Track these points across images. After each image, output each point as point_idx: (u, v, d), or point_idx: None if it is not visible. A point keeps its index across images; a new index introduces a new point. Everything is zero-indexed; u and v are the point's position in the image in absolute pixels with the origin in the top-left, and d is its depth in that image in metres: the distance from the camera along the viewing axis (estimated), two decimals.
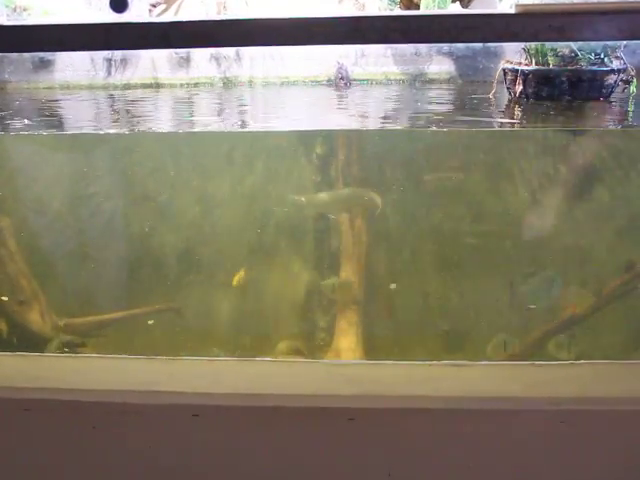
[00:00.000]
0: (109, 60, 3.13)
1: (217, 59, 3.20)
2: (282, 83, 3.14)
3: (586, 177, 2.32)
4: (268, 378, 1.49)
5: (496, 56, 2.80)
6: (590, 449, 1.42)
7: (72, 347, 2.52)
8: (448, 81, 3.00)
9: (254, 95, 3.13)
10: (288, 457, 1.43)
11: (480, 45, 2.89)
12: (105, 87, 3.14)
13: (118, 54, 3.10)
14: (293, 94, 3.06)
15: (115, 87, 3.15)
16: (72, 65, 3.14)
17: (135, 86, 3.18)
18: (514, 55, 2.46)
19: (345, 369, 1.53)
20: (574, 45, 2.10)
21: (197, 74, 3.22)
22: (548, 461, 1.43)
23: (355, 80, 3.09)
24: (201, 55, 3.19)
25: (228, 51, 3.17)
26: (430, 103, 2.77)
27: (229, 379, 1.50)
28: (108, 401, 1.45)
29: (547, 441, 1.42)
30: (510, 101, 2.36)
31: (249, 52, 3.16)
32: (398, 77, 3.10)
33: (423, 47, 3.07)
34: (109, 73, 3.14)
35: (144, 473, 1.47)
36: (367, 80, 3.12)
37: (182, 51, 3.16)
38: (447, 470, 1.45)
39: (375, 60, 3.13)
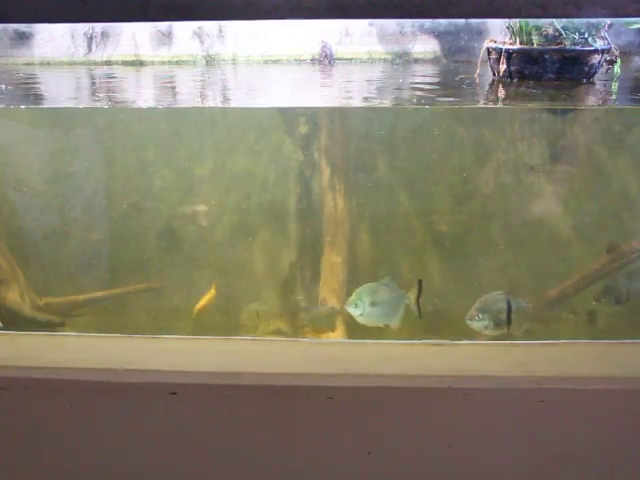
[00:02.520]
0: (89, 36, 3.07)
1: (200, 36, 3.15)
2: (265, 61, 3.10)
3: (567, 156, 2.32)
4: (247, 356, 1.48)
5: (481, 35, 2.78)
6: (568, 427, 1.42)
7: (52, 326, 2.50)
8: (433, 60, 2.98)
9: (237, 73, 3.09)
10: (267, 435, 1.43)
11: (465, 24, 2.86)
12: (86, 63, 3.08)
13: (98, 30, 3.05)
14: (276, 72, 3.03)
15: (96, 64, 3.10)
16: (52, 41, 3.09)
17: (116, 63, 3.13)
18: (499, 35, 2.45)
19: (325, 348, 1.52)
20: (558, 24, 2.09)
21: (179, 51, 3.18)
22: (527, 439, 1.44)
23: (339, 59, 3.06)
24: (183, 32, 3.14)
25: (211, 28, 3.13)
26: (412, 82, 2.75)
27: (208, 357, 1.49)
28: (85, 379, 1.44)
29: (526, 419, 1.42)
30: (494, 80, 2.34)
31: (232, 30, 3.12)
32: (382, 56, 3.07)
33: (408, 26, 3.05)
34: (90, 49, 3.09)
35: (122, 451, 1.46)
36: (351, 59, 3.09)
37: (164, 28, 3.11)
38: (427, 448, 1.45)
39: (359, 39, 3.10)
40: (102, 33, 3.08)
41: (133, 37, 3.14)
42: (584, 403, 1.42)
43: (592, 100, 2.30)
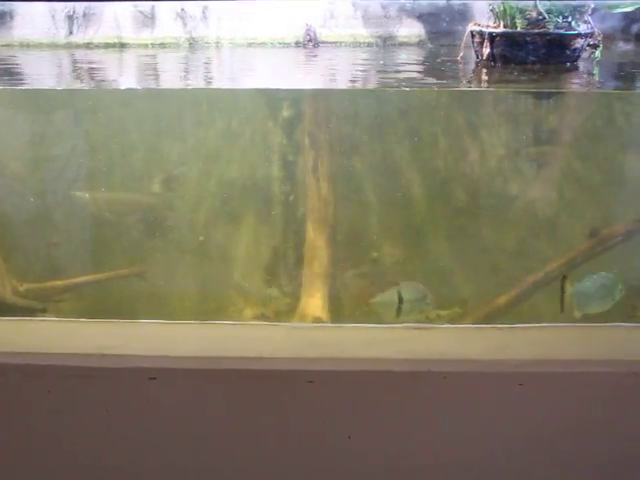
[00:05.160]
0: (70, 17, 3.03)
1: (183, 18, 3.12)
2: (249, 44, 3.07)
3: (549, 139, 2.32)
4: (227, 341, 1.47)
5: (466, 19, 2.76)
6: (547, 410, 1.43)
7: (33, 312, 2.48)
8: (417, 44, 2.96)
9: (220, 55, 3.07)
10: (247, 420, 1.43)
11: (450, 8, 2.85)
12: (67, 46, 3.04)
13: (80, 11, 3.00)
14: (260, 55, 3.00)
15: (77, 46, 3.06)
16: (31, 23, 3.04)
17: (98, 45, 3.09)
18: (484, 18, 2.43)
19: (306, 332, 1.52)
20: (542, 8, 2.08)
21: (162, 34, 3.14)
22: (507, 422, 1.44)
23: (324, 42, 3.04)
24: (166, 14, 3.10)
25: (194, 10, 3.09)
26: (396, 65, 2.74)
27: (187, 342, 1.48)
28: (63, 365, 1.42)
29: (506, 402, 1.43)
30: (477, 64, 2.34)
31: (216, 12, 3.09)
32: (367, 39, 3.05)
33: (393, 9, 3.03)
34: (71, 31, 3.05)
35: (101, 437, 1.45)
36: (336, 42, 3.07)
37: (147, 9, 3.08)
38: (407, 432, 1.45)
39: (344, 22, 3.08)
40: (84, 14, 3.03)
41: (115, 19, 3.10)
42: (563, 386, 1.42)
43: (574, 84, 2.30)
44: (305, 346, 1.44)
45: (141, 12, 3.06)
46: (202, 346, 1.46)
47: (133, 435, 1.45)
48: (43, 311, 2.48)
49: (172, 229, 2.61)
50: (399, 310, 2.10)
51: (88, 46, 3.03)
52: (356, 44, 3.03)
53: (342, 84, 2.49)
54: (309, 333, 1.50)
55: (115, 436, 1.45)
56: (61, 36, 3.03)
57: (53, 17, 3.03)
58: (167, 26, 3.11)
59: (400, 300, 2.10)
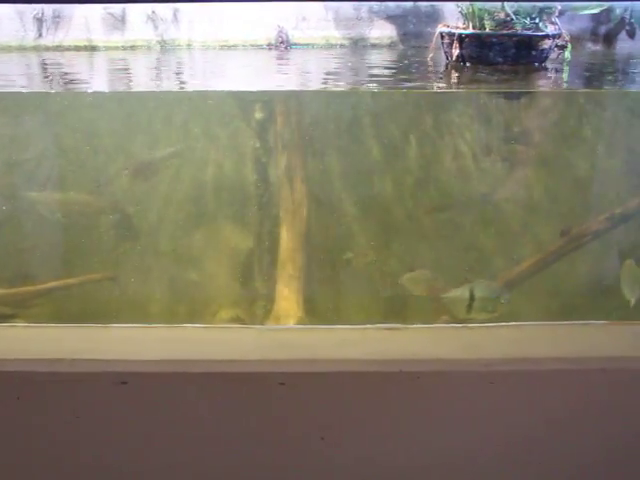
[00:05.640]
0: (39, 20, 3.00)
1: (154, 21, 3.10)
2: (221, 46, 3.07)
3: (518, 139, 2.34)
4: (198, 344, 1.46)
5: (438, 21, 2.78)
6: (518, 408, 1.44)
7: (3, 318, 2.45)
8: (389, 45, 2.98)
9: (192, 58, 3.06)
10: (218, 423, 1.42)
11: (422, 9, 2.87)
12: (36, 49, 3.01)
13: (49, 13, 2.98)
14: (231, 57, 3.00)
15: (47, 48, 3.03)
16: None
17: (68, 48, 3.07)
18: (455, 20, 2.45)
19: (277, 334, 1.52)
20: (509, 9, 2.10)
21: (133, 36, 3.12)
22: (478, 420, 1.45)
23: (296, 44, 3.04)
24: (137, 16, 3.08)
25: (165, 13, 3.08)
26: (365, 67, 2.76)
27: (158, 346, 1.47)
28: (32, 370, 1.41)
29: (477, 401, 1.44)
30: (447, 65, 2.36)
31: (187, 15, 3.08)
32: (339, 41, 3.06)
33: (364, 11, 3.04)
34: (40, 34, 3.02)
35: (72, 443, 1.44)
36: (308, 44, 3.07)
37: (117, 11, 3.05)
38: (380, 432, 1.46)
39: (316, 24, 3.08)
40: (53, 16, 3.01)
41: (85, 21, 3.07)
42: (534, 384, 1.44)
43: (542, 84, 2.32)
44: (276, 348, 1.44)
45: (111, 14, 3.04)
46: (173, 349, 1.45)
47: (104, 440, 1.44)
48: (13, 317, 2.45)
49: (143, 232, 2.60)
50: (470, 307, 2.12)
51: (58, 49, 3.01)
52: (328, 46, 3.03)
53: (311, 86, 2.49)
54: (280, 335, 1.50)
55: (86, 441, 1.44)
56: (30, 39, 3.00)
57: (21, 19, 3.00)
58: (138, 29, 3.10)
59: (472, 297, 2.11)
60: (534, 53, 2.17)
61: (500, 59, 2.16)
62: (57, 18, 3.00)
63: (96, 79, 2.73)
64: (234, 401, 1.41)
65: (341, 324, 1.59)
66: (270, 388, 1.39)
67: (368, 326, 1.56)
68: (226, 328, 1.54)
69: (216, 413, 1.42)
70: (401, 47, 2.96)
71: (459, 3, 2.22)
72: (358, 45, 3.00)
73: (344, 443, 1.45)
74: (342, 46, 3.02)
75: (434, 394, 1.44)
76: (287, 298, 2.52)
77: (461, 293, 2.14)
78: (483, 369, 1.43)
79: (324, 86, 2.40)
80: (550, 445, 1.49)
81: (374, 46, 2.98)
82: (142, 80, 2.67)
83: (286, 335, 1.51)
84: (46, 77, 2.70)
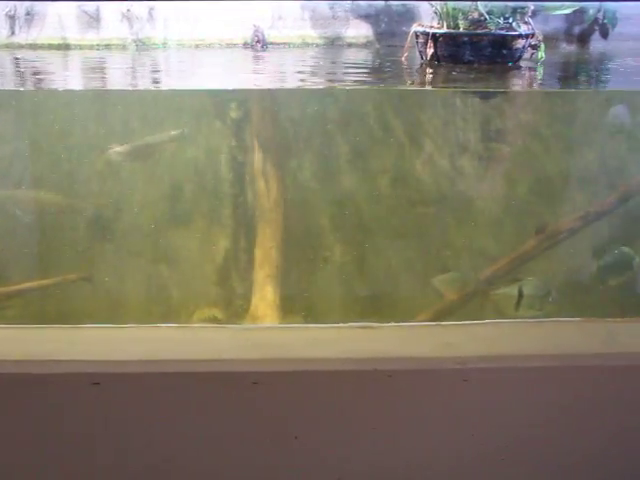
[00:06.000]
0: (12, 17, 2.96)
1: (129, 19, 3.08)
2: (197, 45, 3.05)
3: (491, 137, 2.36)
4: (171, 344, 1.46)
5: (414, 20, 2.79)
6: (492, 405, 1.45)
7: None
8: (365, 45, 2.98)
9: (168, 57, 3.04)
10: (192, 423, 1.42)
11: (398, 9, 2.88)
12: (8, 46, 2.98)
13: (21, 11, 2.94)
14: (207, 56, 2.99)
15: (20, 46, 2.99)
16: None
17: (42, 46, 3.03)
18: (431, 20, 2.46)
19: (251, 333, 1.51)
20: (483, 9, 2.12)
21: (108, 35, 3.09)
22: (452, 418, 1.46)
23: (272, 43, 3.04)
24: (112, 15, 3.06)
25: (140, 11, 3.06)
26: (340, 66, 2.76)
27: (132, 346, 1.46)
28: (4, 372, 1.39)
29: (451, 398, 1.44)
30: (421, 64, 2.37)
31: (162, 13, 3.06)
32: (315, 40, 3.06)
33: (340, 10, 3.04)
34: (12, 32, 2.98)
35: (43, 445, 1.43)
36: (284, 43, 3.07)
37: (91, 10, 3.03)
38: (354, 432, 1.46)
39: (292, 23, 3.08)
40: (26, 14, 2.97)
41: (59, 19, 3.04)
42: (507, 381, 1.45)
43: (515, 83, 2.34)
44: (250, 347, 1.44)
45: (85, 12, 3.02)
46: (146, 350, 1.44)
47: (76, 442, 1.42)
48: None
49: (119, 232, 2.58)
50: (518, 305, 2.14)
51: (31, 47, 2.97)
52: (304, 45, 3.03)
53: (286, 84, 2.49)
54: (254, 334, 1.50)
55: (57, 443, 1.42)
56: (2, 36, 2.96)
57: None
58: (113, 27, 3.07)
59: (520, 295, 2.13)
60: (507, 52, 2.18)
61: (474, 58, 2.17)
62: (30, 16, 2.97)
63: (70, 77, 2.71)
64: (208, 401, 1.41)
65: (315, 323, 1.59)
66: (244, 387, 1.38)
67: (342, 325, 1.56)
68: (200, 328, 1.54)
69: (189, 413, 1.41)
70: (377, 46, 2.96)
71: (433, 2, 2.23)
72: (334, 44, 3.00)
73: (318, 442, 1.45)
74: (318, 45, 3.02)
75: (408, 392, 1.44)
76: (264, 297, 2.52)
77: (510, 290, 2.16)
78: (457, 367, 1.43)
79: (298, 85, 2.40)
80: (524, 442, 1.50)
81: (350, 45, 2.99)
82: (116, 79, 2.65)
83: (260, 334, 1.51)
84: (17, 75, 2.67)
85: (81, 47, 3.05)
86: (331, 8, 3.03)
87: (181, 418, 1.42)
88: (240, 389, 1.39)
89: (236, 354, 1.41)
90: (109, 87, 2.50)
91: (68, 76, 2.67)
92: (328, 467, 1.48)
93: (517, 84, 2.33)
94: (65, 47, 3.03)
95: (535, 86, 2.27)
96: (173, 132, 2.54)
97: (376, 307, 2.52)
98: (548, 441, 1.50)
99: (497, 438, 1.48)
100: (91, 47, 3.06)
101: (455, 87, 2.24)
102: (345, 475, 1.49)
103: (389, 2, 2.79)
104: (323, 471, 1.48)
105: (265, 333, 1.53)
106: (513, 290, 2.16)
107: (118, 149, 2.46)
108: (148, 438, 1.42)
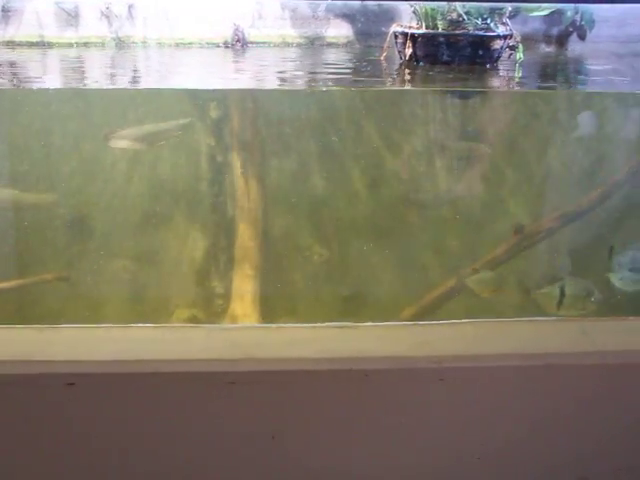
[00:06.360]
0: None
1: (108, 17, 3.06)
2: (177, 44, 3.04)
3: (469, 137, 2.37)
4: (147, 344, 1.45)
5: (394, 20, 2.80)
6: (467, 403, 1.45)
7: None
8: (345, 44, 2.98)
9: (147, 55, 3.02)
10: (168, 423, 1.41)
11: (378, 8, 2.88)
12: None
13: None
14: (187, 55, 2.97)
15: None
16: None
17: (20, 44, 3.01)
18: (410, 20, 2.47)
19: (227, 333, 1.51)
20: (461, 9, 2.12)
21: (87, 33, 3.07)
22: (427, 417, 1.46)
23: (252, 42, 3.03)
24: (91, 12, 3.04)
25: (120, 9, 3.04)
26: (320, 66, 2.76)
27: (107, 346, 1.45)
28: None
29: (426, 397, 1.45)
30: (400, 64, 2.37)
31: (142, 11, 3.04)
32: (296, 40, 3.06)
33: (321, 10, 3.04)
34: None
35: (18, 446, 1.41)
36: (264, 42, 3.06)
37: (70, 7, 3.01)
38: (331, 431, 1.46)
39: (272, 22, 3.08)
40: (2, 10, 2.94)
41: (37, 17, 3.01)
42: (483, 380, 1.45)
43: (492, 83, 2.36)
44: (226, 347, 1.43)
45: (64, 10, 2.99)
46: (122, 350, 1.43)
47: (51, 442, 1.41)
48: None
49: (98, 231, 2.57)
50: (560, 304, 2.15)
51: (8, 45, 2.95)
52: (285, 44, 3.03)
53: (265, 84, 2.49)
54: (230, 334, 1.49)
55: (33, 444, 1.41)
56: None
57: None
58: (92, 25, 3.05)
59: (562, 294, 2.14)
60: (486, 53, 2.19)
61: (452, 59, 2.18)
62: (7, 12, 2.94)
63: (48, 75, 2.69)
64: (184, 401, 1.40)
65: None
66: (220, 387, 1.38)
67: (319, 324, 1.56)
68: (175, 328, 1.53)
69: (165, 413, 1.41)
70: (357, 46, 2.97)
71: (412, 3, 2.24)
72: (314, 44, 3.00)
73: (295, 442, 1.45)
74: (299, 45, 3.02)
75: (385, 392, 1.44)
76: (243, 297, 2.51)
77: (552, 290, 2.18)
78: (433, 366, 1.44)
79: (277, 85, 2.40)
80: (500, 440, 1.51)
81: (330, 45, 2.99)
82: (94, 77, 2.64)
83: (236, 334, 1.50)
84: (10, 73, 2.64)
85: (59, 45, 3.03)
86: (311, 8, 3.03)
87: (157, 419, 1.41)
88: (217, 389, 1.38)
89: (212, 354, 1.41)
90: (86, 86, 2.48)
91: (45, 75, 2.64)
92: (306, 467, 1.48)
93: (494, 84, 2.34)
94: (43, 45, 3.01)
95: (512, 87, 2.29)
96: (182, 121, 2.54)
97: (355, 307, 2.52)
98: (523, 439, 1.51)
99: (473, 437, 1.49)
100: (70, 45, 3.04)
101: (432, 87, 2.25)
102: (322, 475, 1.49)
103: (370, 2, 2.79)
104: (301, 471, 1.48)
105: (242, 333, 1.52)
106: (554, 290, 2.17)
107: (123, 132, 2.45)
108: (124, 439, 1.42)
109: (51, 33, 3.03)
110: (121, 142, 2.41)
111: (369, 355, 1.44)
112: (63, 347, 1.45)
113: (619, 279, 2.24)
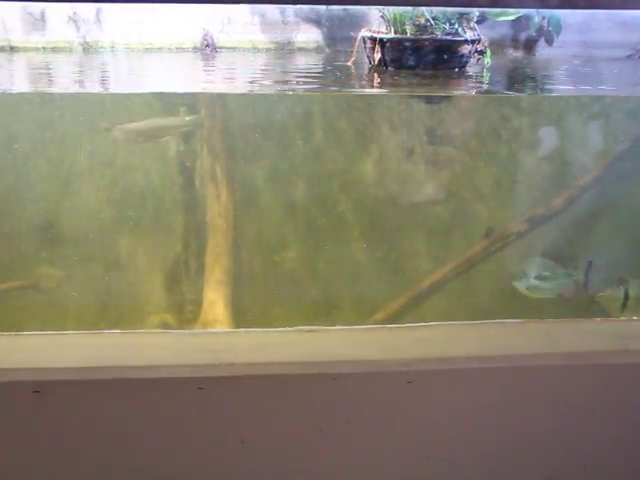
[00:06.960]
0: None
1: (75, 22, 3.03)
2: (146, 49, 3.02)
3: (434, 141, 2.39)
4: (115, 350, 1.44)
5: (362, 25, 2.81)
6: (436, 406, 1.47)
7: None
8: (315, 49, 2.99)
9: (115, 60, 3.00)
10: (137, 430, 1.40)
11: (347, 13, 2.89)
12: None
13: None
14: (155, 60, 2.96)
15: None
16: None
17: None
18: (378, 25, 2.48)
19: (196, 338, 1.50)
20: (429, 15, 2.14)
21: (54, 37, 3.04)
22: (396, 419, 1.47)
23: (222, 47, 3.02)
24: (58, 17, 3.01)
25: (87, 14, 3.01)
26: (289, 70, 2.76)
27: (74, 353, 1.43)
28: None
29: (395, 400, 1.46)
30: (369, 69, 2.38)
31: (110, 16, 3.02)
32: (265, 45, 3.06)
33: (290, 15, 3.04)
34: None
35: None
36: (234, 47, 3.06)
37: (36, 11, 2.97)
38: (299, 433, 1.46)
39: (242, 28, 3.07)
40: None
41: (2, 21, 2.98)
42: (451, 382, 1.47)
43: (460, 88, 2.37)
44: (195, 352, 1.43)
45: (30, 14, 2.96)
46: (88, 356, 1.42)
47: (18, 451, 1.39)
48: None
49: (67, 238, 2.54)
50: (624, 306, 2.16)
51: None
52: (254, 50, 3.03)
53: (233, 89, 2.48)
54: (199, 339, 1.49)
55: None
56: None
57: None
58: (59, 29, 3.02)
59: (626, 296, 2.15)
60: (453, 58, 2.21)
61: (420, 63, 2.19)
62: None
63: (13, 79, 2.65)
64: (153, 407, 1.39)
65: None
66: (189, 393, 1.38)
67: (288, 329, 1.56)
68: (143, 333, 1.52)
69: (134, 420, 1.40)
70: (327, 51, 2.97)
71: (380, 7, 2.25)
72: (284, 49, 3.00)
73: (264, 446, 1.45)
74: (268, 50, 3.02)
75: (353, 395, 1.45)
76: (215, 303, 2.50)
77: (616, 292, 2.18)
78: (402, 369, 1.45)
79: (246, 89, 2.39)
80: (467, 442, 1.52)
81: (300, 50, 2.99)
82: (61, 82, 2.61)
83: (205, 339, 1.50)
84: None
85: (25, 49, 2.99)
86: (281, 13, 3.03)
87: (125, 425, 1.40)
88: (185, 395, 1.38)
89: (181, 360, 1.40)
90: (52, 91, 2.46)
91: (9, 78, 2.61)
92: (275, 471, 1.48)
93: (462, 89, 2.36)
94: (9, 49, 2.97)
95: (480, 91, 2.31)
96: (188, 118, 2.53)
97: (326, 311, 2.52)
98: (490, 441, 1.52)
99: (441, 438, 1.50)
100: (36, 50, 3.00)
101: (399, 92, 2.26)
102: (291, 478, 1.49)
103: (338, 8, 2.80)
104: (270, 475, 1.48)
105: (210, 338, 1.52)
106: (619, 292, 2.19)
107: (128, 126, 2.43)
108: (90, 446, 1.40)
109: (17, 37, 3.00)
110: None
111: (338, 359, 1.44)
112: (28, 354, 1.44)
113: (525, 287, 2.28)
